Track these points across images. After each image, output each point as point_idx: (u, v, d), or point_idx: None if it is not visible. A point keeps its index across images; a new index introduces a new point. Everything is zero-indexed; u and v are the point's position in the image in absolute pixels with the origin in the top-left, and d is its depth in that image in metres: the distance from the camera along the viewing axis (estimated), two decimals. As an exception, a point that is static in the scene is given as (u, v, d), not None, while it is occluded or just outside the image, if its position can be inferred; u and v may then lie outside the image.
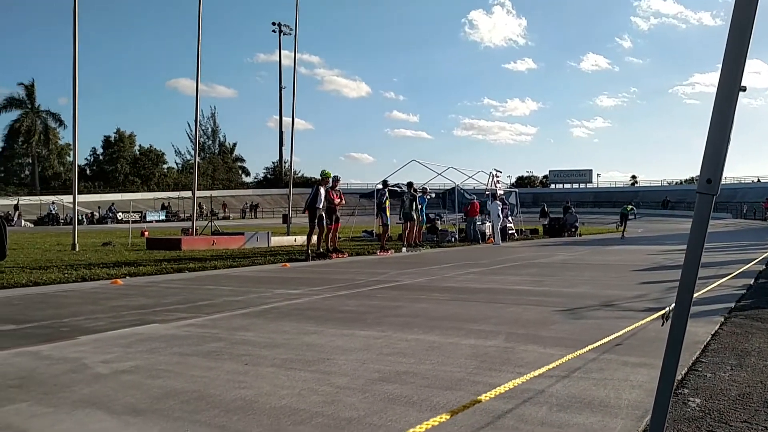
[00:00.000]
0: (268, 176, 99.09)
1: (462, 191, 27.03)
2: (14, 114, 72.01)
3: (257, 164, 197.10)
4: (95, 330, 5.40)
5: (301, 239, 21.31)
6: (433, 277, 10.61)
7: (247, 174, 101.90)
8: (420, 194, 21.00)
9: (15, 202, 54.41)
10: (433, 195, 28.01)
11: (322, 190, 14.82)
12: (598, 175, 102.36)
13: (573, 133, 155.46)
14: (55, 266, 11.67)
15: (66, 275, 10.09)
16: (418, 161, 26.29)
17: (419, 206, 19.90)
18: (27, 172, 77.10)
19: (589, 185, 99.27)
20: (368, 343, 4.76)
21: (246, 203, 75.65)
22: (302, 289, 8.54)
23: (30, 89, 72.54)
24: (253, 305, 6.99)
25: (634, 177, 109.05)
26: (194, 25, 22.61)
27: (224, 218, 60.96)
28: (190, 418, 2.95)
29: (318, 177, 15.41)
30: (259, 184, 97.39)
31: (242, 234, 20.62)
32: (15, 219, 45.74)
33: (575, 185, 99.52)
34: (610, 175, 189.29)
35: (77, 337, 5.05)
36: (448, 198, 28.21)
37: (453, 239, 23.83)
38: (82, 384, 3.58)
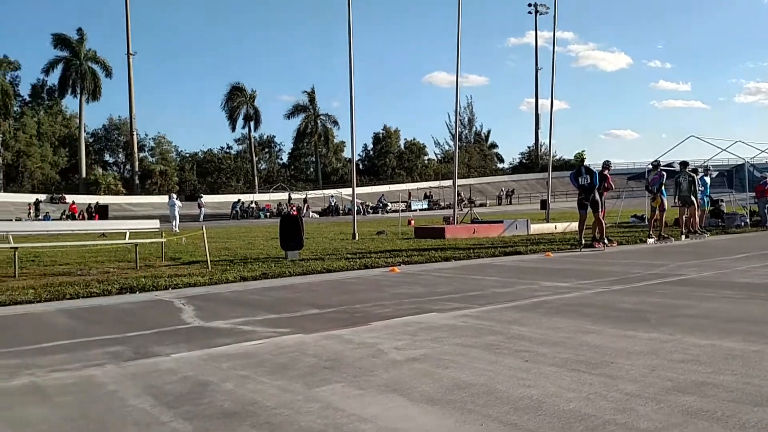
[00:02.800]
0: (523, 161, 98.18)
1: (752, 168, 23.33)
2: (299, 118, 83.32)
3: (509, 149, 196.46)
4: (383, 316, 5.99)
5: (562, 226, 20.67)
6: (722, 270, 9.39)
7: (501, 160, 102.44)
8: (702, 174, 18.72)
9: (304, 196, 62.92)
10: (716, 174, 24.70)
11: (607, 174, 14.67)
12: None
13: None
14: (340, 255, 13.22)
15: (351, 263, 11.35)
16: (698, 137, 23.42)
17: (700, 187, 17.72)
18: (312, 169, 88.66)
19: None
20: (655, 347, 4.42)
21: (502, 189, 76.12)
22: (570, 282, 8.29)
23: (311, 95, 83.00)
24: (522, 298, 7.02)
25: None
26: (440, 21, 23.27)
27: (481, 205, 62.23)
28: (482, 412, 3.09)
29: (573, 159, 14.88)
30: (514, 169, 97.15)
31: (501, 222, 20.77)
32: (305, 211, 53.00)
33: None
34: None
35: (370, 323, 5.66)
36: (735, 176, 24.61)
37: (743, 224, 20.75)
38: (381, 369, 4.01)
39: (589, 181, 13.96)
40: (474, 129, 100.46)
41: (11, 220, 34.88)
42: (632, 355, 4.20)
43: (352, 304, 6.91)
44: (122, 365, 4.30)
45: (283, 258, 12.27)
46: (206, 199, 53.36)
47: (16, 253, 10.57)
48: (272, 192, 67.38)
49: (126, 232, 12.46)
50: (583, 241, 14.04)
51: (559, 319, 5.63)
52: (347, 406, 3.27)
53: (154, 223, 13.71)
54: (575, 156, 14.60)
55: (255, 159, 78.35)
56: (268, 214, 54.88)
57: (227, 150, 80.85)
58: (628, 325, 5.31)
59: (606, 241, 14.26)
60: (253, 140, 78.74)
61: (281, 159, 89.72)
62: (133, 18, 63.35)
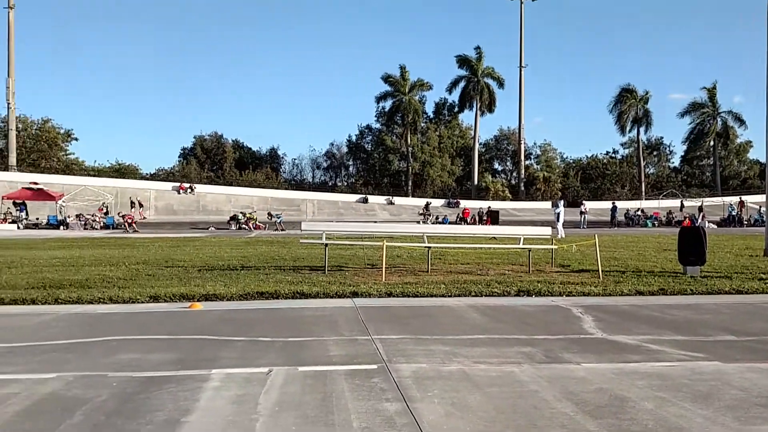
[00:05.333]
0: None
1: None
2: (694, 118, 75.02)
3: None
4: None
5: None
6: None
7: None
8: None
9: (699, 204, 56.48)
10: None
11: None
12: None
13: None
14: (751, 274, 11.40)
15: (766, 285, 9.71)
16: None
17: None
18: (707, 173, 78.95)
19: None
20: None
21: None
22: None
23: (712, 92, 73.91)
24: None
25: None
26: None
27: None
28: None
29: None
30: None
31: None
32: (699, 220, 47.53)
33: None
34: None
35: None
36: None
37: None
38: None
39: None
40: None
41: (418, 221, 40.84)
42: None
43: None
44: (537, 366, 4.59)
45: (681, 273, 11.27)
46: (588, 205, 52.76)
47: (429, 251, 12.32)
48: (661, 199, 62.52)
49: (520, 238, 13.27)
50: None
51: None
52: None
53: (545, 230, 14.22)
54: None
55: (643, 163, 74.00)
56: (656, 222, 51.16)
57: (612, 155, 78.47)
58: None
59: None
60: (641, 143, 74.55)
61: (671, 162, 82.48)
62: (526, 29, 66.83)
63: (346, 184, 73.68)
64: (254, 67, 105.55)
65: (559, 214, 29.37)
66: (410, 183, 67.19)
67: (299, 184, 68.53)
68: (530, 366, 4.60)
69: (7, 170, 46.90)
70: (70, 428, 3.35)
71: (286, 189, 59.43)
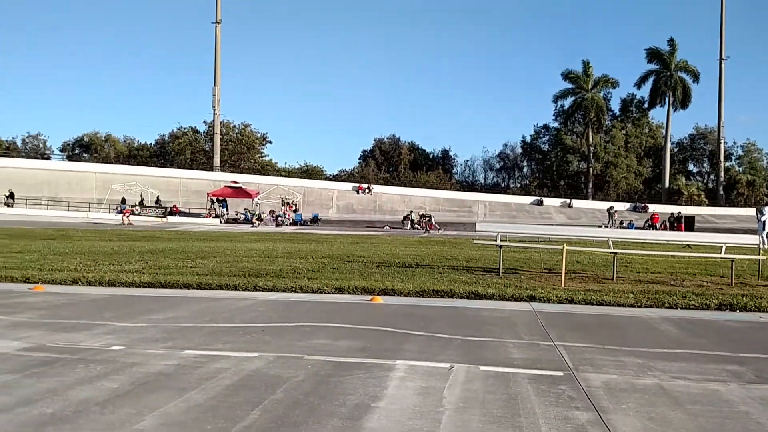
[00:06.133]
0: None
1: None
2: None
3: None
4: None
5: None
6: None
7: None
8: None
9: None
10: None
11: None
12: None
13: None
14: None
15: None
16: None
17: None
18: None
19: None
20: None
21: None
22: None
23: None
24: None
25: None
26: None
27: None
28: None
29: None
30: None
31: None
32: None
33: None
34: None
35: None
36: None
37: None
38: None
39: None
40: None
41: (600, 226, 38.48)
42: None
43: None
44: (746, 387, 4.09)
45: None
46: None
47: (615, 258, 11.54)
48: None
49: (721, 246, 11.90)
50: None
51: None
52: None
53: (751, 239, 12.62)
54: None
55: None
56: None
57: (834, 155, 67.35)
58: None
59: None
60: None
61: None
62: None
63: (519, 185, 72.04)
64: (432, 72, 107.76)
65: (765, 222, 25.94)
66: (590, 185, 63.62)
67: (471, 186, 68.43)
68: (738, 385, 4.09)
69: (212, 170, 52.97)
70: (273, 403, 3.66)
71: (457, 190, 59.67)
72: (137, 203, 40.87)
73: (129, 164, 54.67)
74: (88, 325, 6.07)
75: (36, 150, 68.19)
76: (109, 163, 55.82)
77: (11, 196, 41.91)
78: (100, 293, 8.48)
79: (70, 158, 65.15)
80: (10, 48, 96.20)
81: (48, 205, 42.48)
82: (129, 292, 8.60)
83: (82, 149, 71.53)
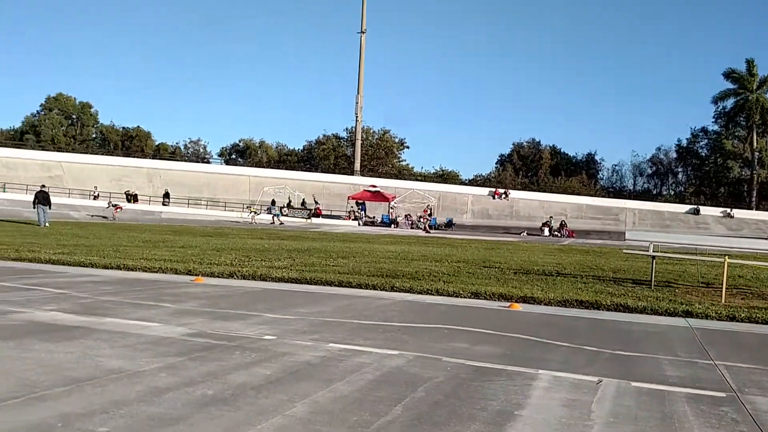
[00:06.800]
0: None
1: None
2: None
3: None
4: None
5: None
6: None
7: None
8: None
9: None
10: None
11: None
12: None
13: None
14: None
15: None
16: None
17: None
18: None
19: None
20: None
21: None
22: None
23: None
24: None
25: None
26: None
27: None
28: None
29: None
30: None
31: None
32: None
33: None
34: None
35: None
36: None
37: None
38: None
39: None
40: None
41: (765, 238, 34.50)
42: None
43: None
44: None
45: None
46: None
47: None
48: None
49: None
50: None
51: None
52: None
53: None
54: None
55: None
56: None
57: None
58: None
59: None
60: None
61: None
62: None
63: (673, 192, 66.77)
64: (577, 73, 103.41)
65: None
66: (754, 194, 57.36)
67: (618, 192, 64.53)
68: None
69: (353, 174, 54.92)
70: (415, 401, 3.70)
71: (602, 197, 56.55)
72: (285, 205, 43.41)
73: (279, 168, 58.34)
74: (242, 315, 6.55)
75: (197, 154, 75.14)
76: (261, 167, 60.00)
77: (167, 195, 46.49)
78: (253, 286, 9.12)
79: (227, 162, 70.98)
80: (182, 62, 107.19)
81: (207, 205, 46.56)
82: (278, 287, 9.16)
83: (238, 154, 77.68)
